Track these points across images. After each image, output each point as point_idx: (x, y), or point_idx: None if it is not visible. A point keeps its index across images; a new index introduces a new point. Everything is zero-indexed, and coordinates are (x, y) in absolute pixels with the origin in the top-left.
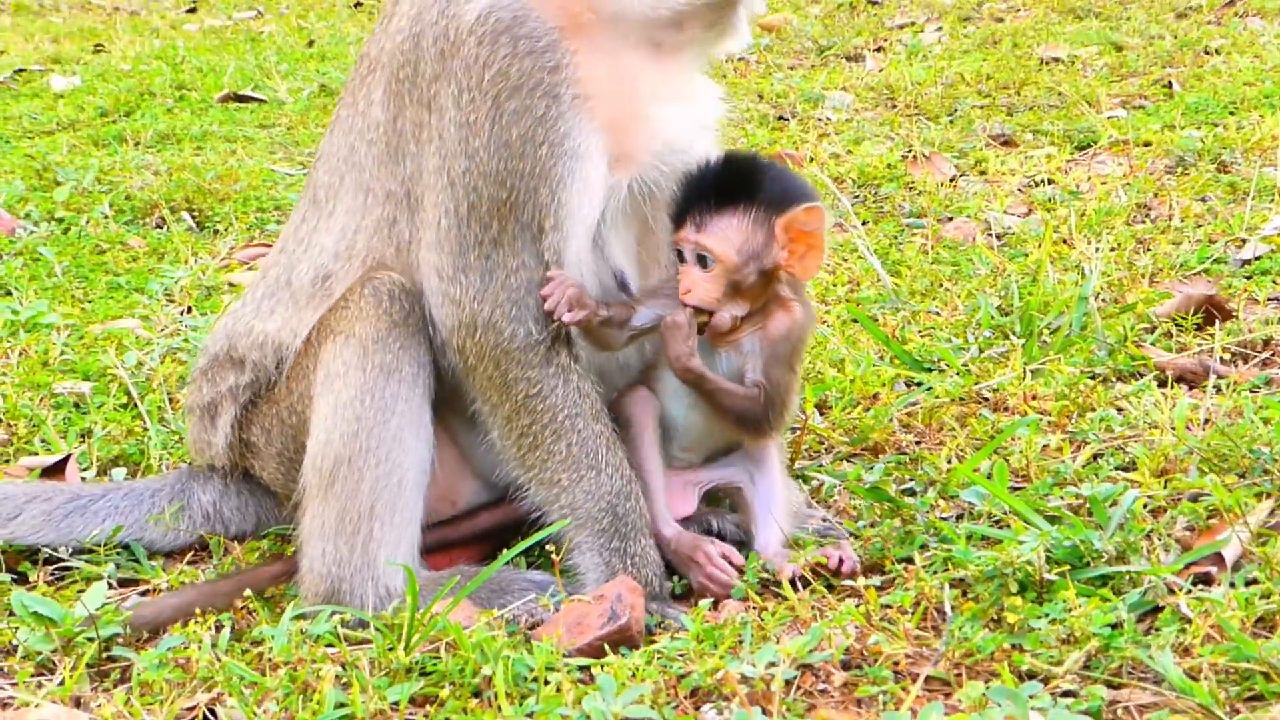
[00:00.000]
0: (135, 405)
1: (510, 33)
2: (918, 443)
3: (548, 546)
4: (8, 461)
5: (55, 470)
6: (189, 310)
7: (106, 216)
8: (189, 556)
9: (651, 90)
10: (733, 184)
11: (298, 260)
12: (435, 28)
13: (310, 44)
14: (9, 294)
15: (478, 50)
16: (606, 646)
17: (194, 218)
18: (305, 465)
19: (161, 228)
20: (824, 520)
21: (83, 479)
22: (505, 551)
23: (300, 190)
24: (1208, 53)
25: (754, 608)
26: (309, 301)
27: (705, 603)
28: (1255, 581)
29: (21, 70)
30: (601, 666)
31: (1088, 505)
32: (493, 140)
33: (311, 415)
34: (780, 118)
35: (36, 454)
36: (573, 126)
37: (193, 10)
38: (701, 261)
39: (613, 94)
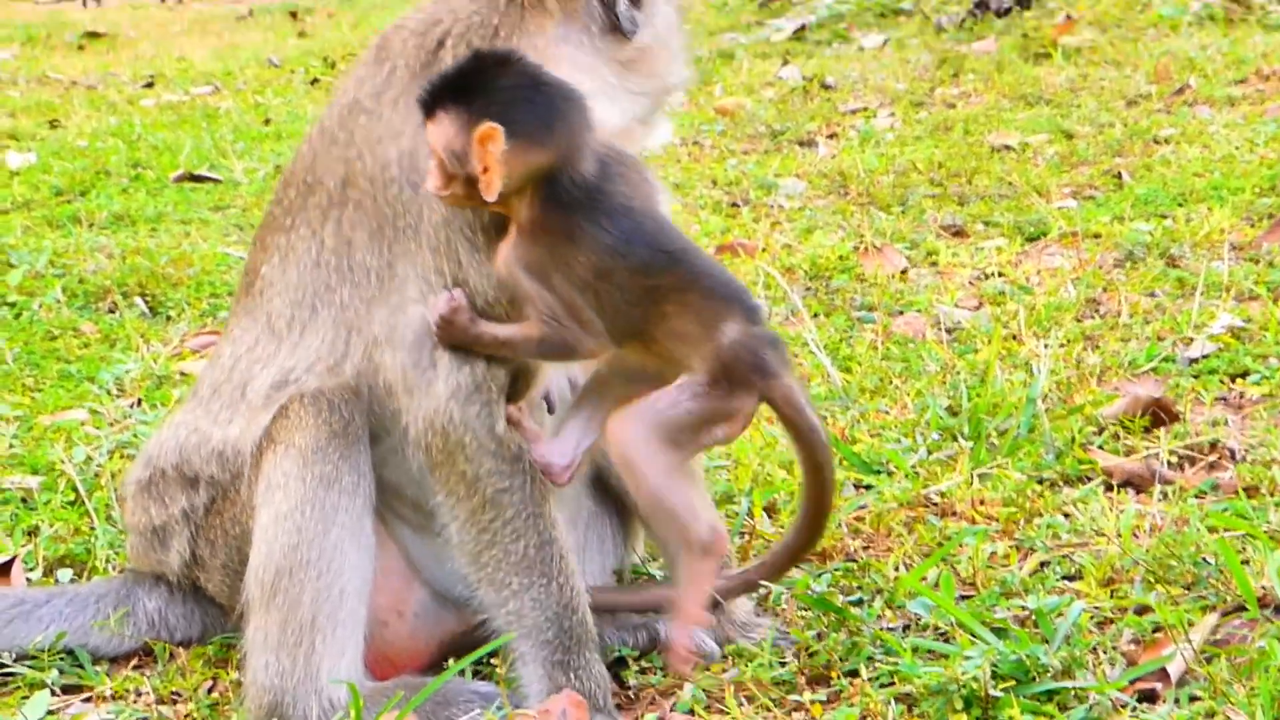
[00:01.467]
0: (83, 502)
1: None
2: (865, 548)
3: (492, 660)
4: None
5: (0, 572)
6: (139, 403)
7: (59, 301)
8: (134, 662)
9: None
10: (458, 85)
11: (256, 375)
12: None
13: (267, 122)
14: None
15: None
16: None
17: (147, 303)
18: (248, 577)
19: (114, 312)
20: (778, 631)
21: (28, 580)
22: (451, 663)
23: (235, 305)
24: (1157, 142)
25: None
26: (263, 407)
27: (650, 717)
28: (1198, 699)
29: None
30: None
31: (1034, 617)
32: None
33: (254, 527)
34: (733, 204)
35: None
36: None
37: (150, 85)
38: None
39: None
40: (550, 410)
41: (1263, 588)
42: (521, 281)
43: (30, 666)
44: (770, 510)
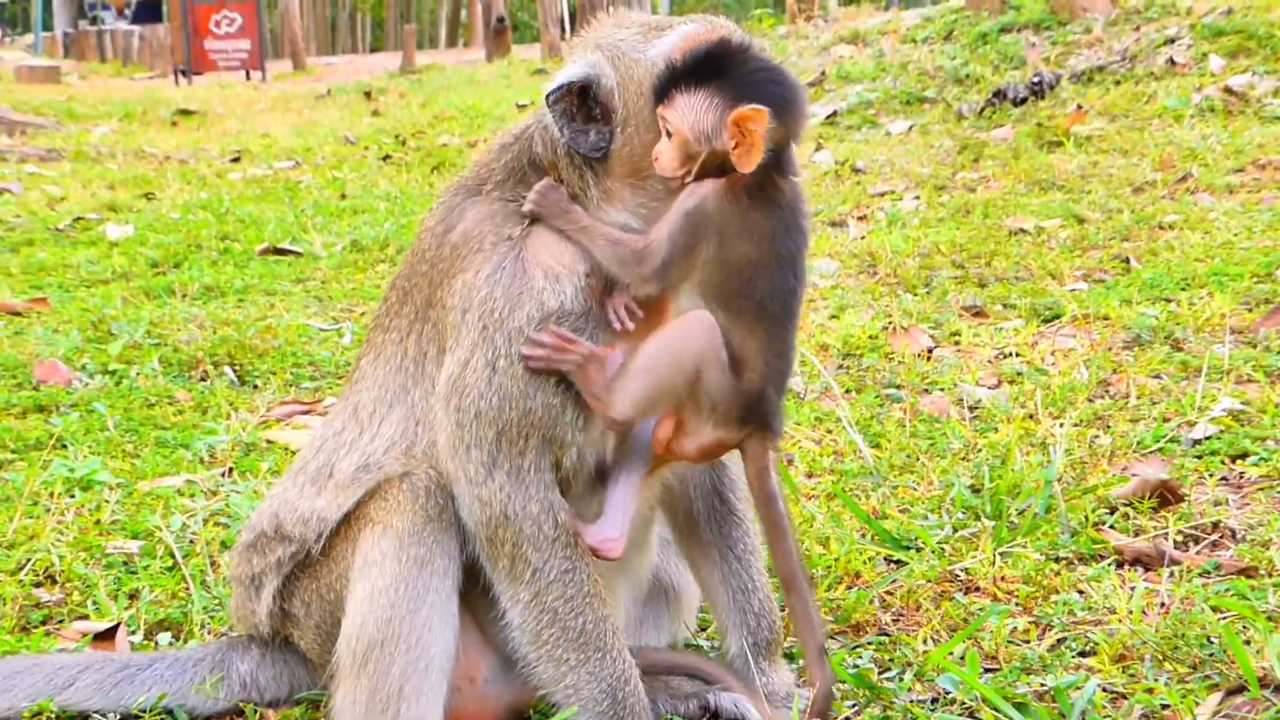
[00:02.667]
0: (179, 568)
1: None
2: (896, 621)
3: None
4: (61, 622)
5: (105, 637)
6: (229, 471)
7: (156, 371)
8: None
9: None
10: (704, 68)
11: (341, 458)
12: (485, 309)
13: (343, 196)
14: (64, 447)
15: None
16: None
17: (235, 372)
18: (340, 644)
19: (205, 381)
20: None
21: (131, 644)
22: None
23: (342, 389)
24: (1162, 228)
25: None
26: (350, 484)
27: None
28: None
29: (80, 218)
30: None
31: (1053, 693)
32: (532, 388)
33: (348, 597)
34: None
35: (88, 617)
36: None
37: (236, 160)
38: (669, 135)
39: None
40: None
41: (1263, 668)
42: (675, 220)
43: None
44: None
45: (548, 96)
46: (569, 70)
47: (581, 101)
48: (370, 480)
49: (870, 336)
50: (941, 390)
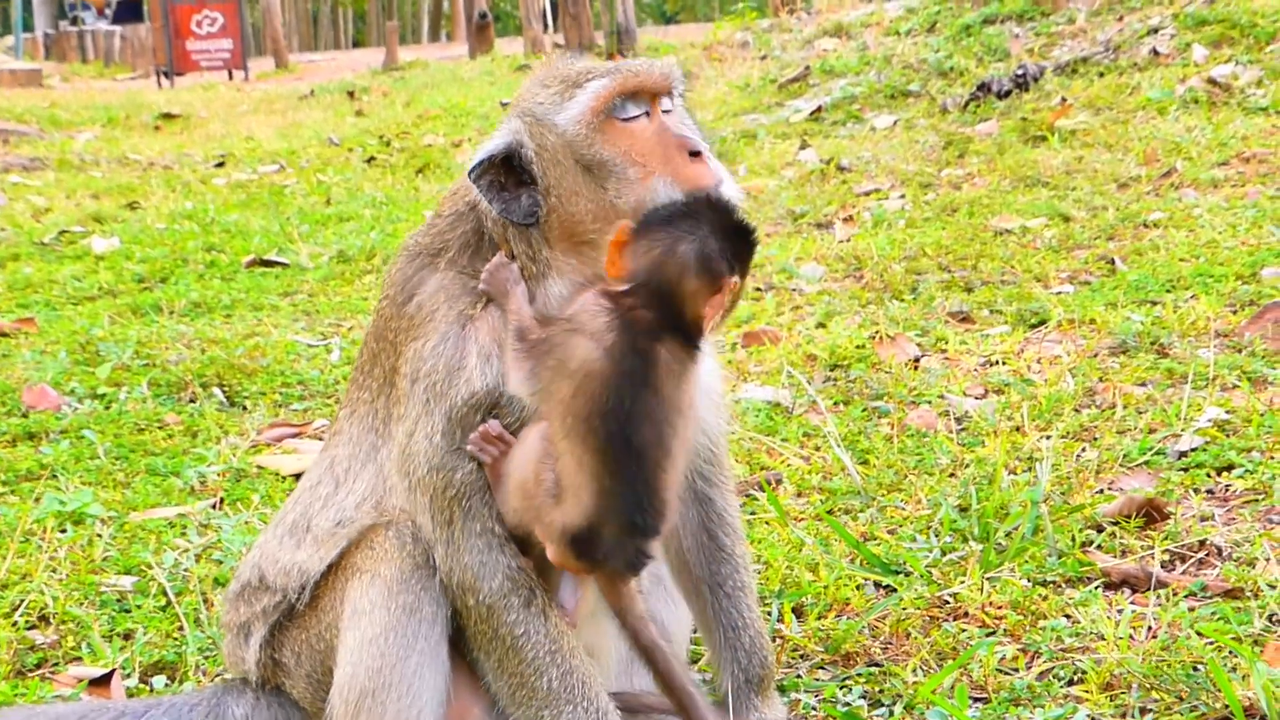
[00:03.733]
0: (173, 606)
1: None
2: (885, 650)
3: None
4: (57, 666)
5: (101, 682)
6: (220, 502)
7: (145, 395)
8: None
9: None
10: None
11: (317, 512)
12: (429, 380)
13: (328, 202)
14: (55, 477)
15: (464, 412)
16: None
17: (224, 393)
18: (332, 694)
19: (194, 403)
20: None
21: (126, 689)
22: None
23: (325, 438)
24: (1146, 226)
25: None
26: (329, 539)
27: None
28: None
29: (65, 231)
30: None
31: None
32: (454, 458)
33: (339, 646)
34: (758, 289)
35: (83, 660)
36: None
37: (221, 164)
38: None
39: None
40: None
41: (1249, 697)
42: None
43: None
44: (798, 612)
45: (470, 172)
46: (489, 143)
47: (509, 170)
48: (350, 533)
49: (858, 346)
50: (929, 403)
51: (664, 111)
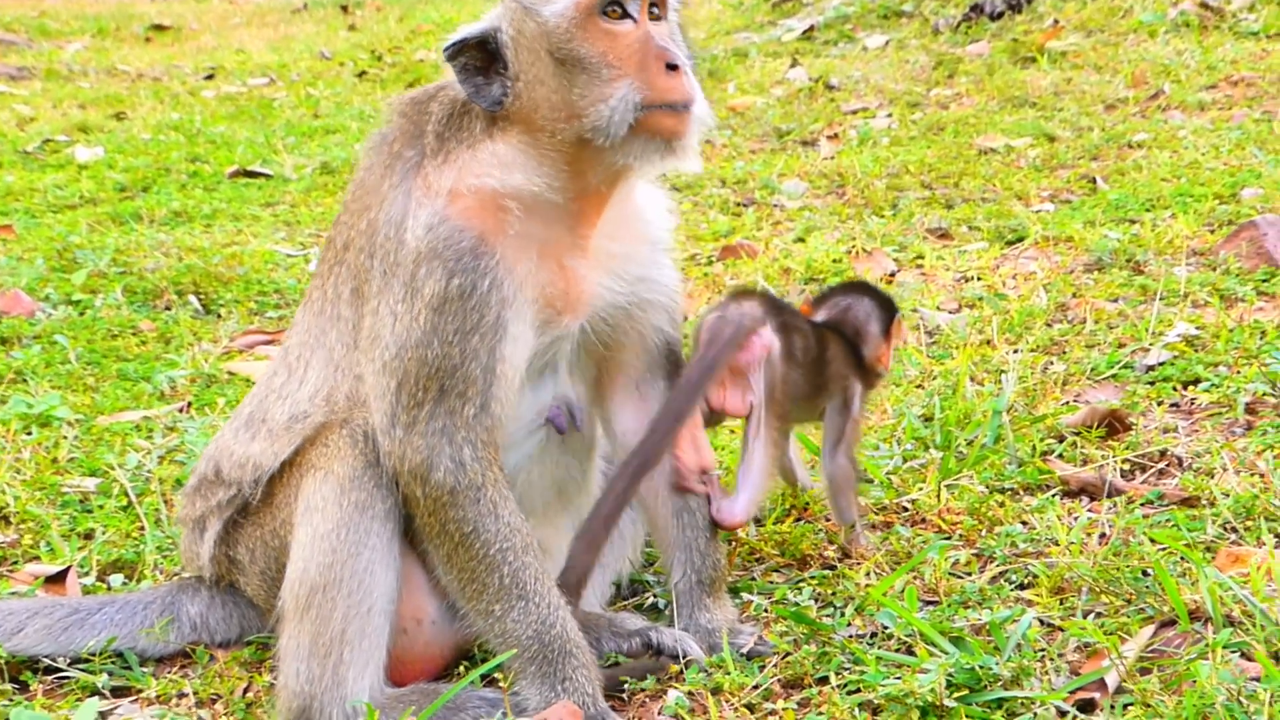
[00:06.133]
0: (134, 507)
1: (442, 257)
2: (840, 555)
3: (497, 674)
4: (15, 564)
5: (57, 580)
6: (188, 406)
7: (119, 301)
8: (178, 663)
9: (585, 245)
10: None
11: (272, 405)
12: (381, 250)
13: (316, 115)
14: (25, 381)
15: (415, 271)
16: None
17: (200, 301)
18: (284, 589)
19: (169, 310)
20: (758, 639)
21: (83, 586)
22: (463, 673)
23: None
24: (1131, 146)
25: None
26: (284, 433)
27: None
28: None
29: (49, 140)
30: None
31: (989, 627)
32: (429, 337)
33: (291, 543)
34: (740, 204)
35: (41, 559)
36: (505, 316)
37: (210, 77)
38: None
39: (544, 271)
40: (560, 432)
41: (1195, 601)
42: None
43: (84, 670)
44: (756, 518)
45: (445, 51)
46: (469, 26)
47: (485, 55)
48: (304, 429)
49: (834, 260)
50: (902, 316)
51: (654, 21)
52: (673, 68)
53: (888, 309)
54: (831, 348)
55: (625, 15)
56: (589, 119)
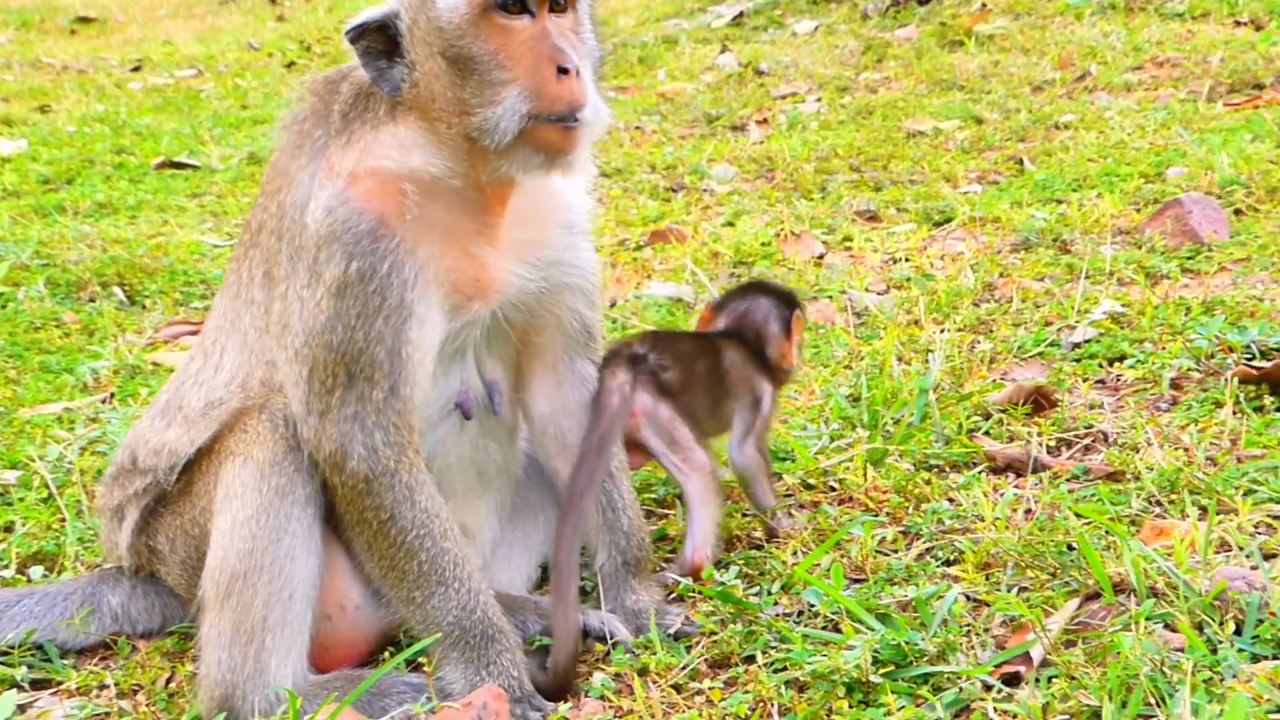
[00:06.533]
0: (55, 499)
1: (342, 240)
2: (768, 538)
3: (421, 659)
4: None
5: None
6: (111, 397)
7: (42, 293)
8: (99, 655)
9: (493, 231)
10: None
11: (189, 391)
12: (289, 234)
13: (244, 106)
14: None
15: (317, 255)
16: None
17: (125, 292)
18: (204, 577)
19: (94, 302)
20: (685, 620)
21: (1, 579)
22: (387, 657)
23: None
24: (1058, 128)
25: (610, 707)
26: (200, 420)
27: (564, 707)
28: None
29: None
30: None
31: (915, 603)
32: (333, 323)
33: (211, 530)
34: (670, 189)
35: None
36: (408, 298)
37: (137, 69)
38: None
39: (449, 256)
40: (467, 417)
41: (1119, 573)
42: None
43: (2, 663)
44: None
45: (346, 34)
46: (372, 10)
47: (386, 39)
48: (221, 415)
49: (763, 244)
50: (829, 298)
51: (556, 14)
52: (564, 71)
53: (787, 304)
54: (728, 356)
55: (524, 10)
56: (476, 120)
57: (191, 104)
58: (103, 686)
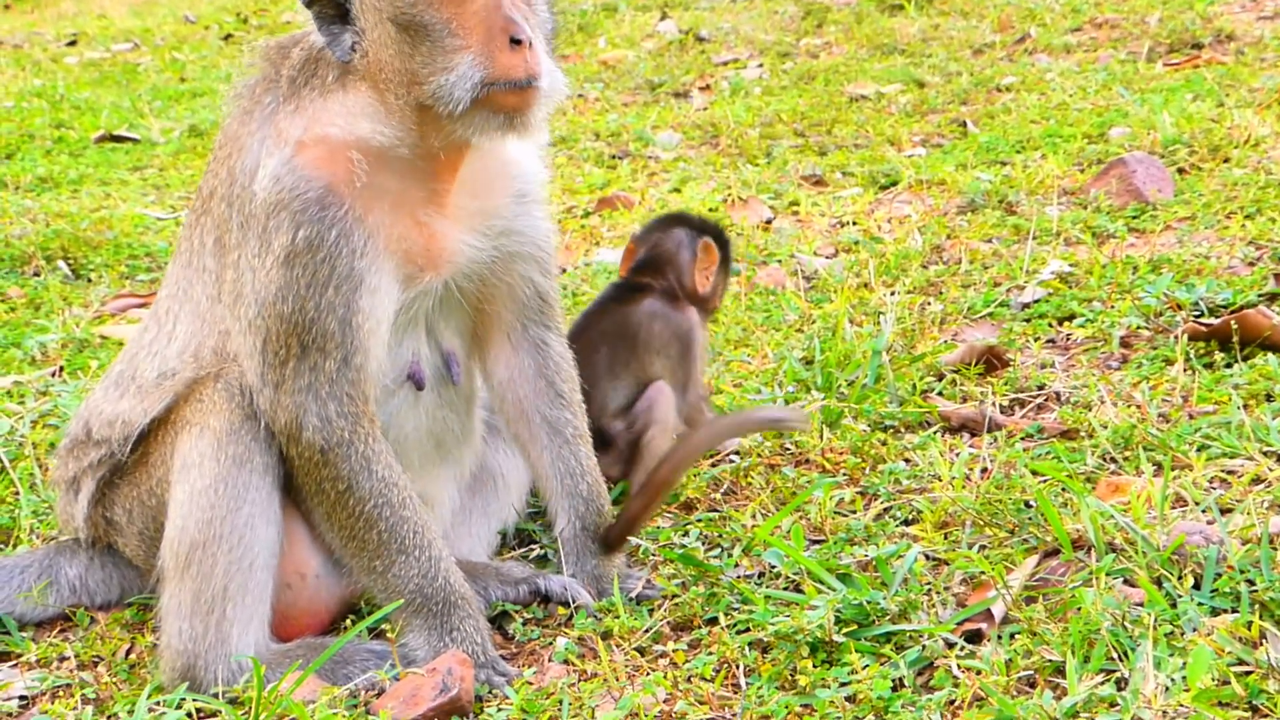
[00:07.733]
0: (8, 472)
1: (290, 208)
2: (726, 498)
3: (384, 626)
4: None
5: None
6: (60, 371)
7: None
8: (58, 627)
9: (443, 200)
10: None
11: (142, 362)
12: (239, 201)
13: (182, 79)
14: None
15: (266, 223)
16: (439, 718)
17: (70, 266)
18: (163, 547)
19: (39, 276)
20: (646, 583)
21: None
22: (349, 625)
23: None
24: (999, 90)
25: (574, 670)
26: (154, 390)
27: (529, 671)
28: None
29: None
30: None
31: (875, 563)
32: (284, 292)
33: (169, 500)
34: (614, 156)
35: None
36: (357, 267)
37: (73, 43)
38: None
39: (399, 225)
40: (419, 388)
41: (1078, 530)
42: None
43: None
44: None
45: None
46: None
47: (336, 4)
48: (174, 385)
49: (710, 209)
50: (779, 262)
51: None
52: (516, 43)
53: (699, 231)
54: (641, 308)
55: None
56: (429, 88)
57: (129, 77)
58: (63, 658)
